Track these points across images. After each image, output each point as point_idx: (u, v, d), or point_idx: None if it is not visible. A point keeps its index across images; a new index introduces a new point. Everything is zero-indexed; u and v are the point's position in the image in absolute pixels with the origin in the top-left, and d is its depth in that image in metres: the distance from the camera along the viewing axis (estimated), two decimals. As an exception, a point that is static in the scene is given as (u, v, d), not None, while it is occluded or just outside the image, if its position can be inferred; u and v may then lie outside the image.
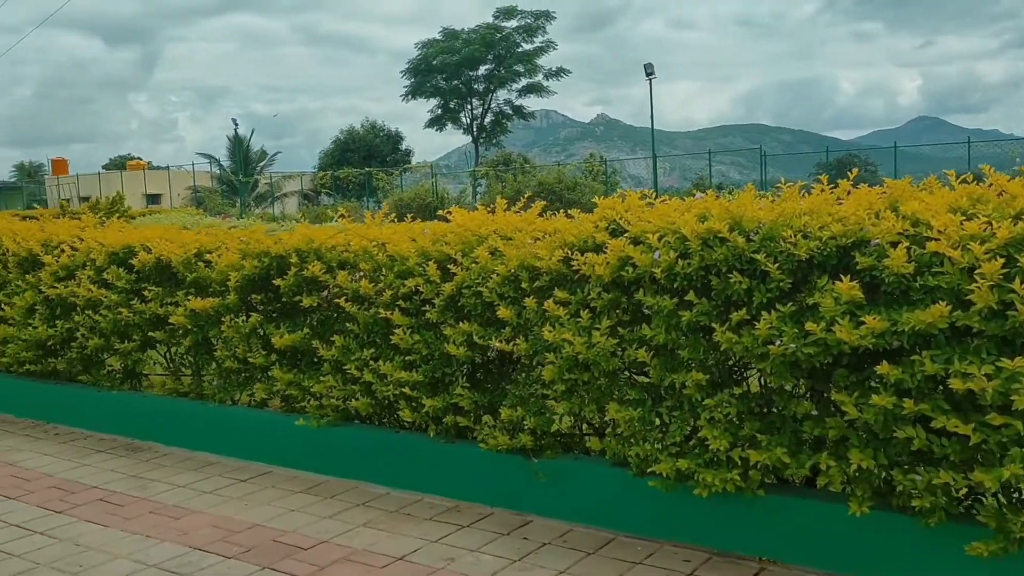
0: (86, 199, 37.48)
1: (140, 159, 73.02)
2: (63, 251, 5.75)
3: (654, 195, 3.84)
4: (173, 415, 5.42)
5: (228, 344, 5.02)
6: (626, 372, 3.69)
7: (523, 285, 3.81)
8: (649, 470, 3.51)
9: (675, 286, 3.32)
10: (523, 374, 4.09)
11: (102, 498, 4.52)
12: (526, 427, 3.90)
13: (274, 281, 4.76)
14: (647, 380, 3.57)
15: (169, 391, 5.51)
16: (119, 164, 76.82)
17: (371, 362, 4.39)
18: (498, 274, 3.87)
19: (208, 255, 5.13)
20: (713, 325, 3.23)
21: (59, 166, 65.83)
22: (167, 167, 59.74)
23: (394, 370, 4.27)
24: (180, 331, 5.22)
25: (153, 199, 54.19)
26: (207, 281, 5.10)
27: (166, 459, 5.17)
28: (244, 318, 5.02)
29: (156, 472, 4.92)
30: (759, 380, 3.42)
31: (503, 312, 3.83)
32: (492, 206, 4.62)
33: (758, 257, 3.10)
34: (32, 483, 4.78)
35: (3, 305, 6.01)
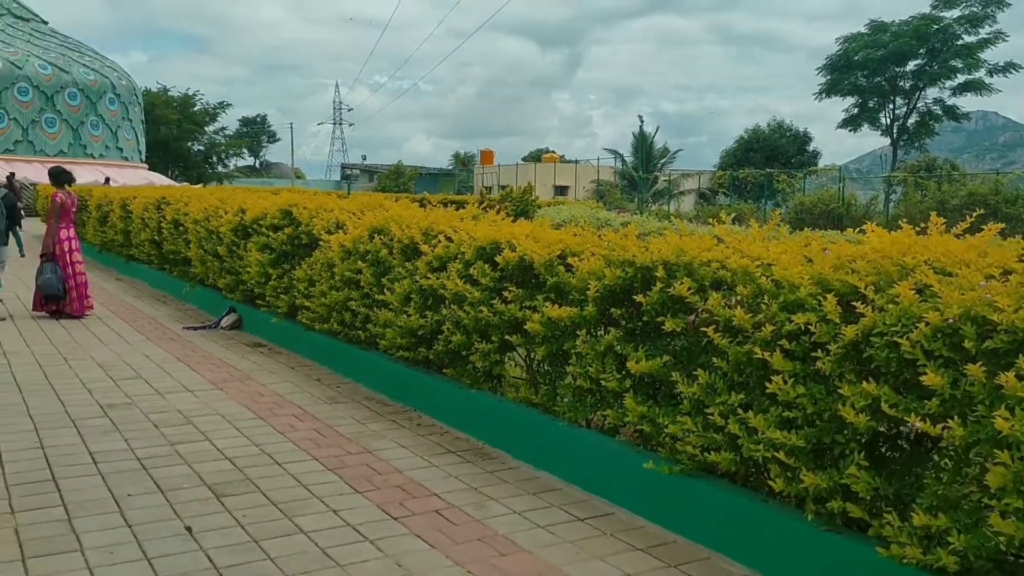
0: (504, 187, 40.96)
1: (554, 152, 78.23)
2: (439, 241, 5.69)
3: None
4: (524, 426, 5.06)
5: (581, 360, 4.48)
6: None
7: (966, 344, 2.68)
8: None
9: None
10: (951, 464, 2.94)
11: (438, 509, 4.25)
12: (950, 542, 2.76)
13: (635, 296, 4.10)
14: None
15: (523, 399, 5.17)
16: (536, 157, 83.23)
17: (739, 410, 3.53)
18: (928, 323, 2.78)
19: (571, 258, 4.65)
20: None
21: (486, 157, 73.25)
22: (576, 161, 63.18)
23: (767, 425, 3.37)
24: (536, 339, 4.82)
25: (561, 191, 57.71)
26: (567, 287, 4.62)
27: (510, 474, 4.81)
28: (601, 333, 4.45)
29: (497, 488, 4.57)
30: None
31: (931, 378, 2.74)
32: (923, 225, 3.48)
33: None
34: (381, 477, 4.70)
35: (385, 290, 6.17)
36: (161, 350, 8.25)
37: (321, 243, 7.23)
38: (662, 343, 4.10)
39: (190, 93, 74.76)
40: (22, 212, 21.33)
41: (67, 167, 11.09)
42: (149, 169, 54.85)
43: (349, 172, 75.48)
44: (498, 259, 5.07)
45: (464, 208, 6.70)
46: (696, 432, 3.77)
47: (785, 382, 3.29)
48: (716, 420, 3.64)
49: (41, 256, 10.37)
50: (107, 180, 33.09)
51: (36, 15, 53.66)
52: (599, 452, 4.49)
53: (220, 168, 78.04)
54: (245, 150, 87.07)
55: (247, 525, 3.96)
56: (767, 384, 3.36)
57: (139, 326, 9.67)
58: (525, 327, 4.82)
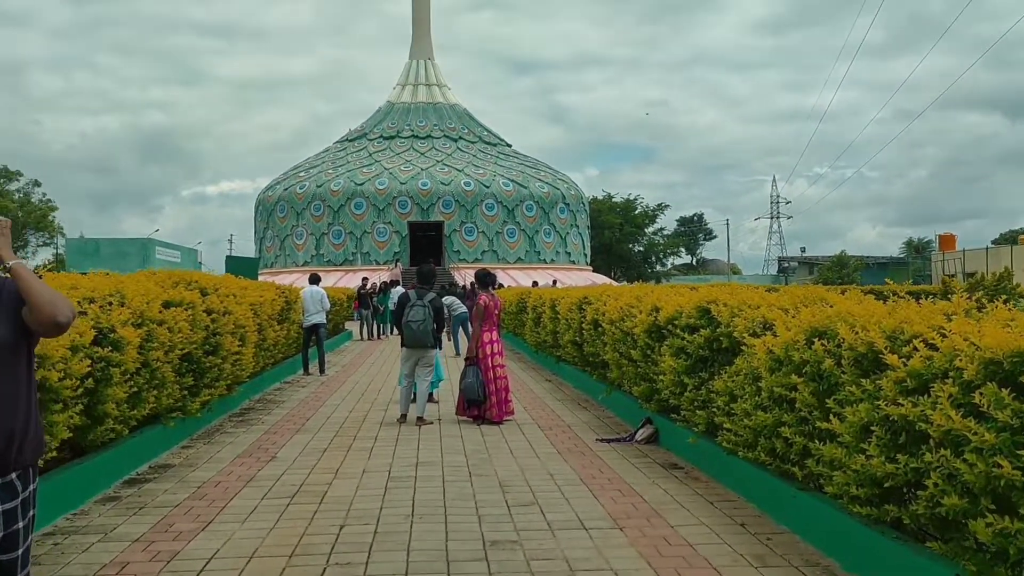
0: (971, 275, 35.60)
1: (1034, 233, 67.29)
2: (916, 350, 3.83)
3: None
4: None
5: None
6: None
7: None
8: None
9: None
10: None
11: None
12: None
13: None
14: None
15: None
16: (1010, 239, 72.76)
17: None
18: None
19: None
20: None
21: (946, 242, 65.52)
22: (1067, 239, 53.04)
23: None
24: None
25: (1047, 275, 48.57)
26: None
27: None
28: None
29: None
30: None
31: None
32: None
33: None
34: None
35: (832, 415, 4.41)
36: (567, 466, 7.33)
37: (743, 348, 5.70)
38: None
39: (631, 198, 78.87)
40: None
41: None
42: (593, 271, 58.23)
43: (786, 265, 72.63)
44: (1027, 380, 3.10)
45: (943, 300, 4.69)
46: None
47: None
48: None
49: (465, 359, 10.34)
50: (554, 282, 35.25)
51: (502, 139, 61.22)
52: None
53: (658, 267, 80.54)
54: (682, 248, 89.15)
55: None
56: None
57: (552, 435, 8.96)
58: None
